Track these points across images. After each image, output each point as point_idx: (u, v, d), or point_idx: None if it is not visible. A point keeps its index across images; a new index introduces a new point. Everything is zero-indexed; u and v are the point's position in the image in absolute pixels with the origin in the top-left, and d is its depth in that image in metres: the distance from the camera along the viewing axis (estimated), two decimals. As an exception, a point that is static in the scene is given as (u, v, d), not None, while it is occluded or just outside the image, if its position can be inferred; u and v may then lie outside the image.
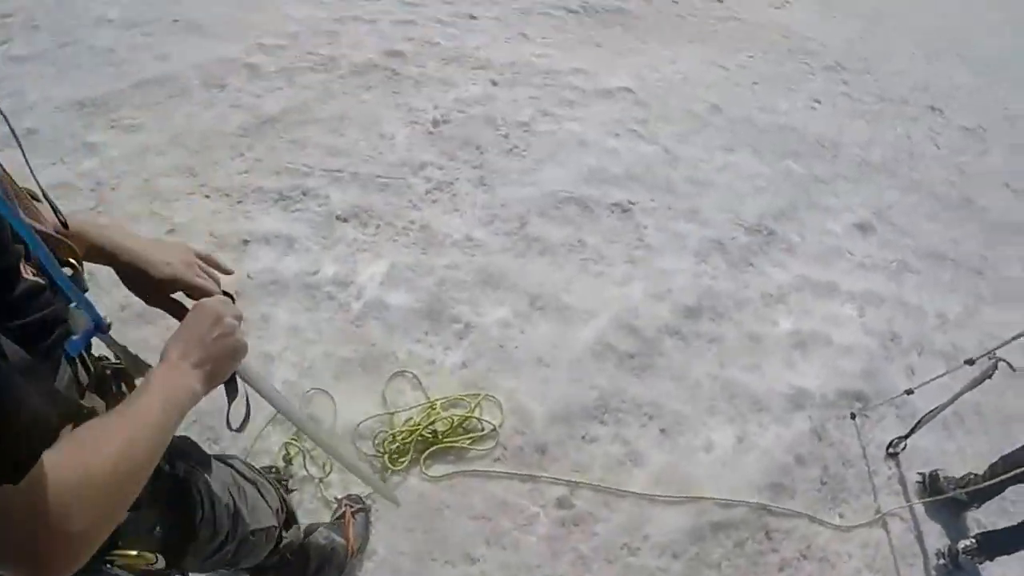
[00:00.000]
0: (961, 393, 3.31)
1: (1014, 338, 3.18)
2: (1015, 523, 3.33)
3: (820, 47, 7.14)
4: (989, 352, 3.22)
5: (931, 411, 3.46)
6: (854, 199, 5.07)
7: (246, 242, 3.59)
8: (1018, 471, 3.09)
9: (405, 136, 4.36)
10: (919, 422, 3.51)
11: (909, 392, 3.57)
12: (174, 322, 1.25)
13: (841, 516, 3.28)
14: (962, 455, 3.82)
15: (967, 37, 9.93)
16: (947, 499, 3.37)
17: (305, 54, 4.85)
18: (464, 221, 3.97)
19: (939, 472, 3.56)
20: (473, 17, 5.67)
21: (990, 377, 3.22)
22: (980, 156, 6.68)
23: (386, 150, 4.25)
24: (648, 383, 3.44)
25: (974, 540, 3.36)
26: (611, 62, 5.54)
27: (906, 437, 3.57)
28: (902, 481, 3.55)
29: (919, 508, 3.43)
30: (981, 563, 3.37)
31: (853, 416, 3.67)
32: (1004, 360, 3.14)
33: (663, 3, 6.86)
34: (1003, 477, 3.17)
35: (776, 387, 3.60)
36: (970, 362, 3.34)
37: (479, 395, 3.16)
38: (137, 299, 1.35)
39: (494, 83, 4.94)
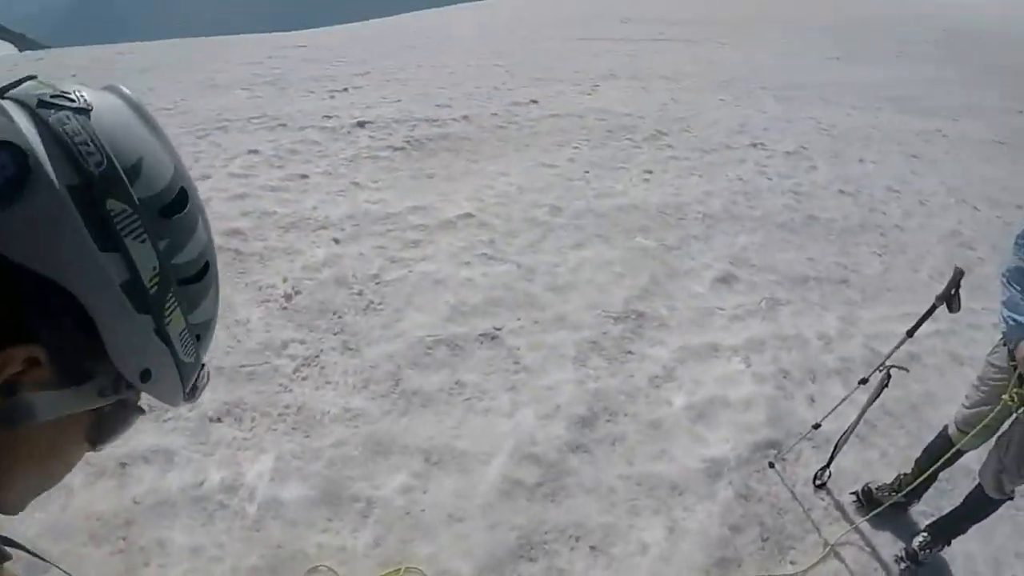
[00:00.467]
0: (865, 409, 3.42)
1: (895, 348, 3.34)
2: (958, 503, 3.41)
3: (638, 120, 7.60)
4: (879, 366, 3.35)
5: (843, 433, 3.53)
6: (709, 255, 5.30)
7: (124, 465, 3.36)
8: (945, 457, 3.18)
9: (260, 317, 4.27)
10: (835, 447, 3.58)
11: (816, 426, 3.66)
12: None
13: (793, 563, 3.26)
14: (886, 459, 3.92)
15: (762, 71, 10.86)
16: (887, 507, 3.40)
17: None
18: (338, 393, 3.87)
19: (870, 485, 3.63)
20: (304, 176, 5.75)
21: (887, 387, 3.34)
22: (809, 173, 7.18)
23: (244, 336, 4.14)
24: (565, 506, 3.37)
25: (926, 534, 3.42)
26: (446, 191, 5.69)
27: (828, 465, 3.62)
28: (839, 507, 3.58)
29: (864, 526, 3.46)
30: (940, 551, 3.43)
31: (772, 465, 3.70)
32: (895, 366, 3.29)
33: (482, 118, 7.16)
34: (931, 470, 3.26)
35: (690, 465, 3.60)
36: (863, 381, 3.48)
37: (399, 570, 3.02)
38: None
39: (337, 241, 4.96)
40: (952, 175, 8.34)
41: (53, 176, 0.58)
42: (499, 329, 4.24)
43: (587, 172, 6.23)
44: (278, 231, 5.00)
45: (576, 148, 6.72)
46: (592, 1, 20.54)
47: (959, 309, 3.11)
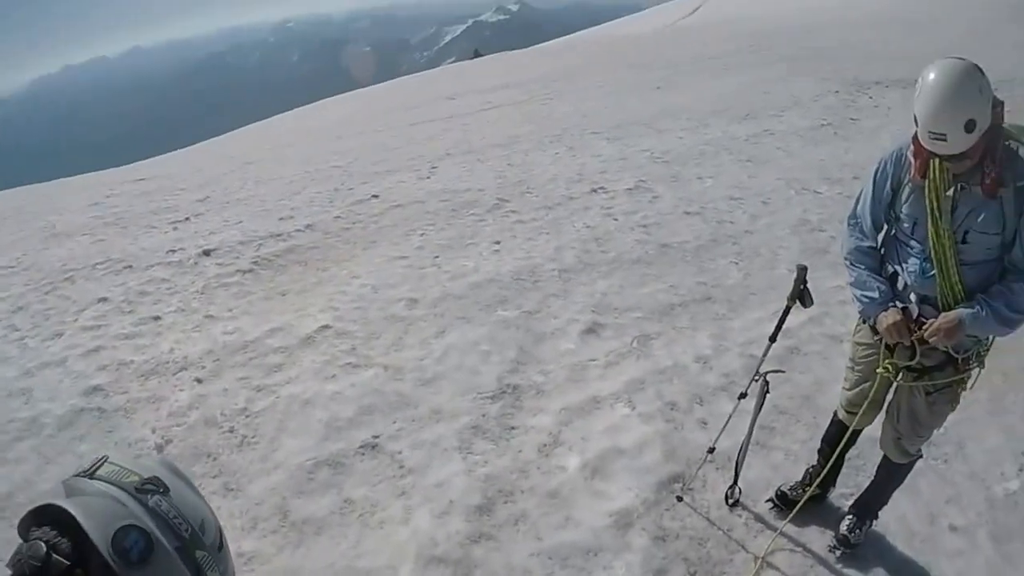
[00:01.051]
0: (754, 421, 3.53)
1: (764, 355, 3.45)
2: (873, 476, 3.55)
3: (478, 193, 7.77)
4: (753, 376, 3.46)
5: (740, 449, 3.64)
6: (571, 309, 5.42)
7: None
8: (844, 440, 3.30)
9: None
10: (736, 463, 3.67)
11: (711, 450, 3.73)
12: None
13: (729, 588, 3.27)
14: (792, 457, 4.06)
15: (591, 117, 11.36)
16: (806, 503, 3.48)
17: (6, 423, 4.44)
18: (228, 539, 3.65)
19: (783, 487, 3.74)
20: (157, 318, 5.55)
21: (768, 392, 3.44)
22: (653, 204, 7.49)
23: None
24: (480, 601, 3.29)
25: (852, 515, 3.54)
26: (301, 306, 5.61)
27: (735, 482, 3.71)
28: (759, 519, 3.66)
29: (789, 529, 3.52)
30: (871, 527, 3.55)
31: (680, 499, 3.75)
32: (769, 372, 3.42)
33: (326, 223, 7.15)
34: (835, 456, 3.37)
35: (597, 524, 3.60)
36: (743, 395, 3.58)
37: None
38: None
39: (199, 381, 4.77)
40: (787, 168, 8.92)
41: (168, 545, 0.99)
42: (377, 437, 4.17)
43: (437, 257, 6.30)
44: (138, 380, 4.81)
45: (423, 235, 6.79)
46: (417, 86, 21.11)
47: (812, 302, 3.27)
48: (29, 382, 4.86)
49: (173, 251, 6.66)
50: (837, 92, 13.47)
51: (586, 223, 7.01)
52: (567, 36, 40.95)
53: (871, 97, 13.19)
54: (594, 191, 7.87)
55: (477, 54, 41.85)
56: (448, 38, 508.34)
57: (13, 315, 5.74)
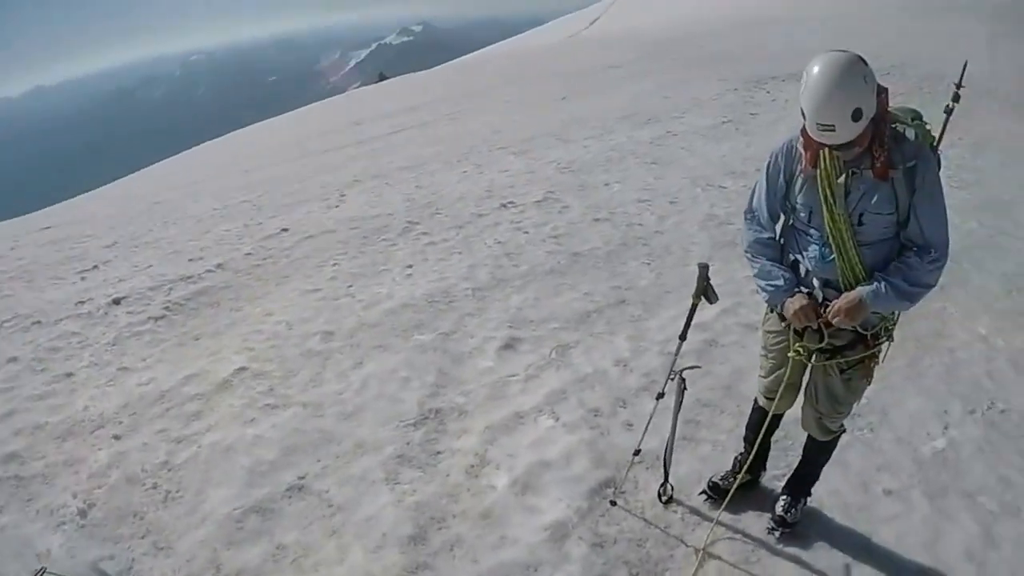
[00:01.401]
0: (676, 417, 3.56)
1: (676, 354, 3.51)
2: (800, 456, 3.64)
3: (388, 218, 7.71)
4: (668, 375, 3.50)
5: (666, 447, 3.67)
6: (487, 327, 5.42)
7: None
8: (766, 426, 3.35)
9: (60, 543, 3.77)
10: (664, 461, 3.71)
11: (637, 452, 3.76)
12: None
13: (673, 583, 3.29)
14: (720, 447, 4.13)
15: (498, 133, 11.44)
16: (737, 491, 3.52)
17: None
18: None
19: (713, 478, 3.80)
20: (69, 375, 5.25)
21: (685, 390, 3.48)
22: (562, 214, 7.57)
23: (50, 569, 3.66)
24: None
25: (785, 496, 3.62)
26: (216, 349, 5.43)
27: (666, 480, 3.75)
28: (695, 512, 3.71)
29: (725, 517, 3.57)
30: (805, 504, 3.63)
31: (613, 503, 3.76)
32: (685, 368, 3.47)
33: (236, 262, 6.97)
34: (759, 442, 3.44)
35: (533, 540, 3.57)
36: (660, 396, 3.61)
37: None
38: None
39: (117, 438, 4.54)
40: (692, 167, 9.16)
41: None
42: (303, 477, 4.05)
43: (350, 286, 6.20)
44: (55, 443, 4.52)
45: (335, 264, 6.68)
46: (324, 113, 20.89)
47: (717, 298, 3.34)
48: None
49: (82, 302, 6.36)
50: (736, 90, 13.93)
51: (497, 239, 7.02)
52: (472, 54, 41.22)
53: (768, 92, 13.69)
54: (503, 206, 7.90)
55: (382, 77, 41.71)
56: (353, 62, 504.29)
57: (-84, 382, 5.37)
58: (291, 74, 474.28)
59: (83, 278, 7.09)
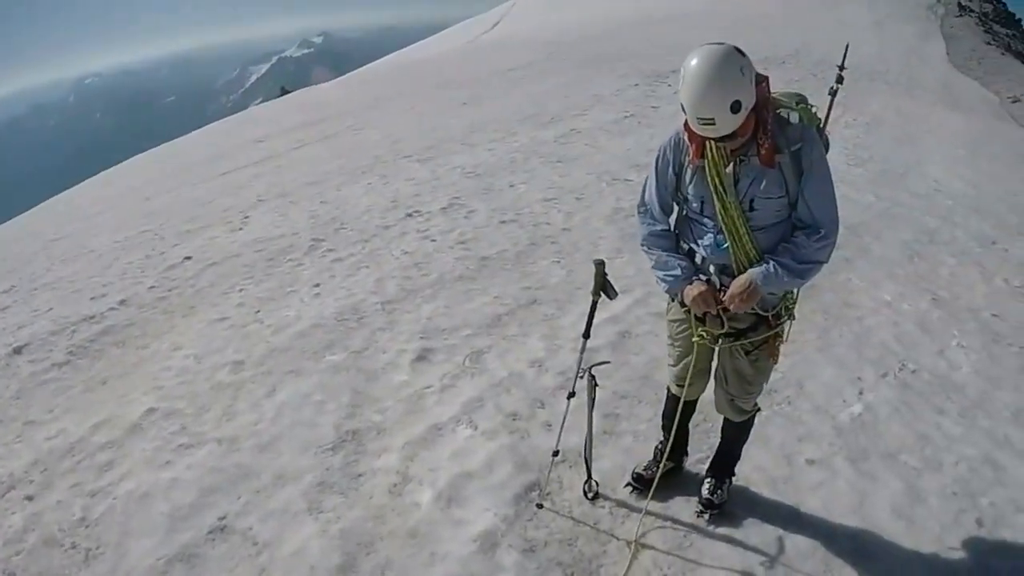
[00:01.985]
0: (590, 413, 3.58)
1: (582, 352, 3.53)
2: (720, 438, 3.71)
3: (293, 238, 7.54)
4: (577, 374, 3.52)
5: (585, 444, 3.69)
6: (399, 340, 5.36)
7: None
8: (680, 412, 3.42)
9: None
10: (585, 459, 3.73)
11: (555, 453, 3.76)
12: None
13: (609, 576, 3.30)
14: (641, 438, 4.18)
15: (401, 142, 11.32)
16: (662, 479, 3.59)
17: None
18: None
19: (636, 469, 3.83)
20: None
21: (597, 386, 3.50)
22: (469, 218, 7.66)
23: None
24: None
25: (709, 478, 3.68)
26: (124, 391, 5.16)
27: (589, 476, 3.77)
28: (623, 504, 3.73)
29: (653, 507, 3.60)
30: (731, 484, 3.71)
31: (540, 506, 3.75)
32: (594, 365, 3.50)
33: (140, 296, 6.69)
34: (675, 428, 3.48)
35: (463, 552, 3.51)
36: (572, 395, 3.63)
37: None
38: None
39: (30, 499, 4.26)
40: (597, 163, 9.28)
41: None
42: (224, 518, 3.87)
43: (258, 311, 6.01)
44: None
45: (242, 290, 6.47)
46: (225, 132, 20.31)
47: (616, 293, 3.36)
48: None
49: (-19, 354, 5.99)
50: (637, 85, 14.18)
51: (404, 249, 6.94)
52: (373, 63, 40.76)
53: (669, 85, 14.00)
54: (409, 216, 7.82)
55: (284, 91, 40.83)
56: (253, 78, 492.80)
57: None
58: (189, 94, 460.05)
59: (-20, 328, 6.68)
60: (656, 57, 17.37)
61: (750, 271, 2.85)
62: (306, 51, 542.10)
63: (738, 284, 2.85)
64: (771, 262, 2.82)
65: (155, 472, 4.30)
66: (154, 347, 5.73)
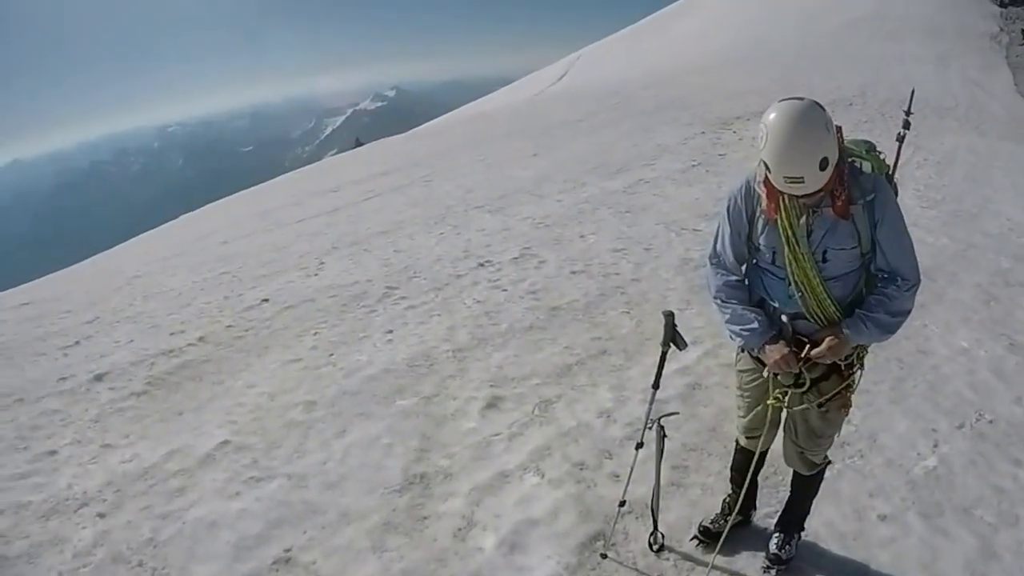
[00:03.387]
0: (659, 465, 3.60)
1: (651, 404, 3.54)
2: (789, 492, 3.66)
3: (367, 285, 7.76)
4: (646, 424, 3.52)
5: (652, 495, 3.69)
6: (469, 387, 5.45)
7: None
8: (753, 465, 3.36)
9: None
10: (652, 510, 3.73)
11: (622, 504, 3.76)
12: None
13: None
14: (709, 490, 4.15)
15: (472, 192, 11.56)
16: (729, 533, 3.52)
17: None
18: None
19: (703, 522, 3.80)
20: (52, 453, 5.15)
21: (665, 437, 3.50)
22: (539, 269, 7.72)
23: None
24: None
25: (778, 533, 3.63)
26: (198, 424, 5.37)
27: (655, 528, 3.75)
28: (688, 558, 3.70)
29: (719, 561, 3.57)
30: (799, 540, 3.64)
31: (604, 556, 3.74)
32: (663, 416, 3.53)
33: (217, 334, 6.96)
34: (747, 482, 3.44)
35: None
36: (640, 446, 3.63)
37: None
38: None
39: (101, 516, 4.45)
40: (664, 213, 9.31)
41: None
42: (288, 550, 3.99)
43: (331, 355, 6.20)
44: (39, 522, 4.42)
45: (316, 333, 6.69)
46: (301, 181, 21.04)
47: (686, 344, 3.37)
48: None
49: (64, 379, 6.30)
50: (703, 133, 14.24)
51: (475, 298, 7.08)
52: (444, 115, 41.82)
53: (734, 131, 14.01)
54: (481, 265, 7.98)
55: (358, 143, 42.13)
56: (329, 130, 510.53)
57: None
58: (266, 144, 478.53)
59: (64, 354, 7.03)
60: (719, 104, 17.41)
61: (841, 326, 2.84)
62: (379, 104, 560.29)
63: (830, 340, 2.83)
64: (863, 319, 2.81)
65: (224, 502, 4.46)
66: (229, 383, 5.96)
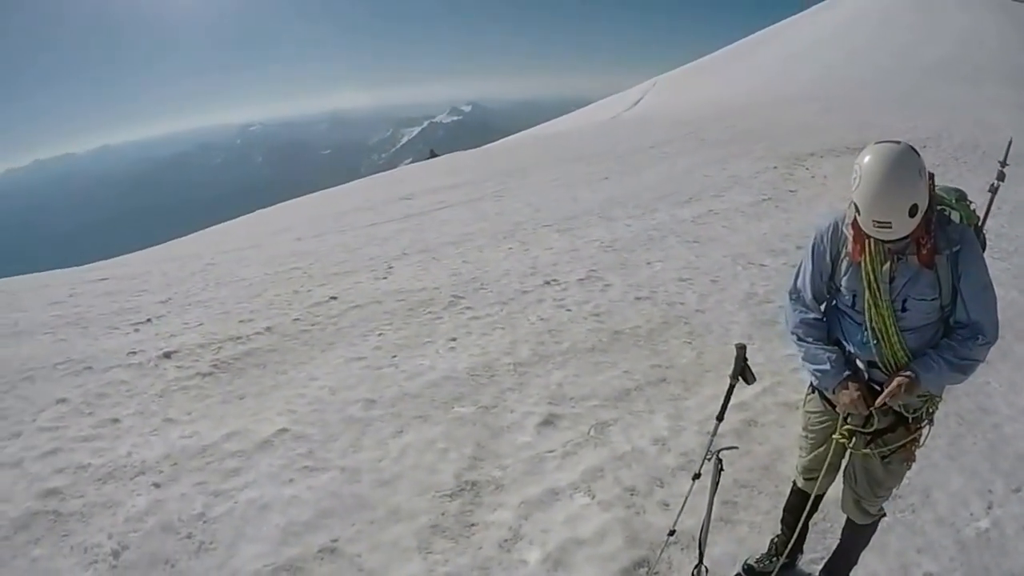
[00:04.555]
0: (712, 498, 3.52)
1: (713, 434, 3.46)
2: (839, 539, 3.58)
3: (434, 292, 7.87)
4: (705, 455, 3.47)
5: (702, 528, 3.60)
6: (527, 402, 5.46)
7: None
8: (807, 508, 3.30)
9: None
10: (699, 542, 3.64)
11: (671, 532, 3.70)
12: None
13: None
14: (756, 529, 4.07)
15: (542, 210, 11.58)
16: (776, 573, 3.46)
17: None
18: None
19: (748, 561, 3.74)
20: (116, 421, 5.36)
21: (722, 470, 3.45)
22: (604, 292, 7.64)
23: None
24: None
25: None
26: (259, 410, 5.52)
27: (701, 561, 3.67)
28: None
29: None
30: None
31: (646, 583, 3.69)
32: (722, 449, 3.42)
33: (285, 326, 7.12)
34: (799, 525, 3.37)
35: (562, 623, 3.52)
36: (697, 476, 3.58)
37: None
38: None
39: (157, 485, 4.60)
40: (733, 245, 9.20)
41: None
42: (335, 540, 4.06)
43: (394, 356, 6.30)
44: (95, 484, 4.60)
45: (381, 335, 6.80)
46: (375, 187, 21.44)
47: (755, 379, 3.32)
48: (-19, 484, 4.69)
49: (134, 353, 6.55)
50: (775, 168, 14.05)
51: (540, 315, 7.11)
52: (519, 133, 42.17)
53: (807, 168, 13.78)
54: (547, 283, 8.00)
55: (433, 154, 42.80)
56: (404, 139, 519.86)
57: (-30, 414, 5.54)
58: (344, 149, 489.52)
59: (136, 330, 7.31)
60: (793, 139, 17.15)
61: (912, 366, 2.77)
62: (455, 118, 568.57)
63: (899, 378, 2.76)
64: (934, 357, 2.75)
65: (278, 487, 4.56)
66: (292, 374, 6.10)
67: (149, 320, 7.65)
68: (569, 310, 7.22)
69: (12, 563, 3.96)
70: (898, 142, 2.57)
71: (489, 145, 34.23)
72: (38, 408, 5.57)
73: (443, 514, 4.22)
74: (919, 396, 2.87)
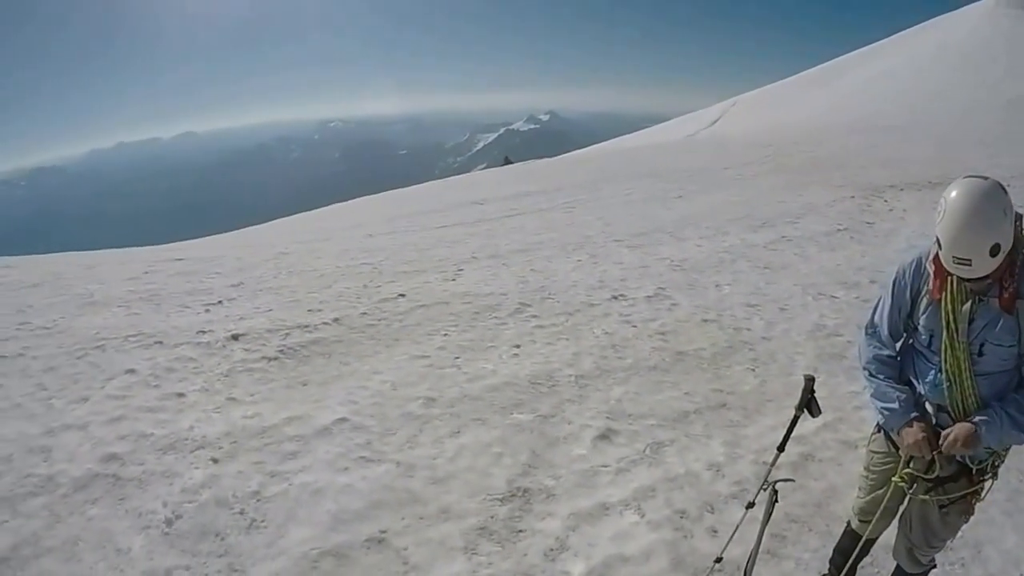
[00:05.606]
0: (763, 529, 3.47)
1: (772, 465, 3.44)
2: None
3: (501, 297, 7.91)
4: (762, 485, 3.42)
5: (749, 558, 3.55)
6: (585, 415, 5.44)
7: None
8: (858, 550, 3.23)
9: (142, 545, 3.99)
10: (745, 573, 3.60)
11: (718, 560, 3.67)
12: None
13: None
14: (803, 566, 3.97)
15: (612, 225, 11.53)
16: None
17: (23, 478, 4.44)
18: None
19: None
20: (181, 395, 5.59)
21: (776, 502, 3.39)
22: (671, 311, 7.57)
23: (126, 566, 3.84)
24: None
25: None
26: (320, 397, 5.66)
27: None
28: None
29: None
30: None
31: (689, 609, 3.65)
32: (779, 480, 3.38)
33: (352, 319, 7.27)
34: (848, 566, 3.30)
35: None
36: (751, 505, 3.53)
37: None
38: None
39: (215, 460, 4.77)
40: (804, 274, 8.99)
41: None
42: (384, 532, 4.14)
43: (458, 358, 6.38)
44: (156, 454, 4.81)
45: (445, 335, 6.89)
46: (449, 189, 21.70)
47: (820, 412, 3.26)
48: (50, 441, 4.90)
49: (203, 332, 6.80)
50: (852, 197, 13.71)
51: (605, 329, 7.09)
52: (594, 146, 42.11)
53: (886, 200, 13.38)
54: (614, 298, 7.98)
55: (507, 161, 43.12)
56: (480, 144, 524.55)
57: (43, 375, 5.84)
58: (420, 150, 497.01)
59: (207, 310, 7.57)
60: (873, 169, 16.66)
61: (975, 418, 2.69)
62: (532, 126, 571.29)
63: (962, 428, 2.68)
64: (997, 411, 2.65)
65: (333, 474, 4.67)
66: (355, 366, 6.23)
67: (220, 302, 7.92)
68: (635, 326, 7.18)
69: (69, 519, 4.15)
70: (986, 178, 2.51)
71: (564, 155, 34.28)
72: (107, 376, 5.84)
73: (492, 517, 4.26)
74: (985, 448, 2.77)
